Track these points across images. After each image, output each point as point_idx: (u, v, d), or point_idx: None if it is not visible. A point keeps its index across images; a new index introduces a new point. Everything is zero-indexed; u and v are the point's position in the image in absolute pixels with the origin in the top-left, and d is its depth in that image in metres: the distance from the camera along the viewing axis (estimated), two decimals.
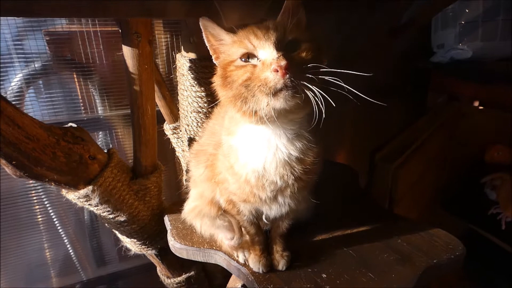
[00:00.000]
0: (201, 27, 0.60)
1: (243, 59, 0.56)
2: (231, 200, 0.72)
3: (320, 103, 0.51)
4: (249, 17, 0.73)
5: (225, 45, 0.60)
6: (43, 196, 1.34)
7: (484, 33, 1.49)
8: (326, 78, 0.52)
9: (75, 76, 1.29)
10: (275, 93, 0.52)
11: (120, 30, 0.83)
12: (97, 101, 1.34)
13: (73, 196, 0.90)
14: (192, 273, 1.24)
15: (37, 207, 1.35)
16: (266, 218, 0.74)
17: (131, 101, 0.91)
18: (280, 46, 0.54)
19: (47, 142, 0.79)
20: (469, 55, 1.51)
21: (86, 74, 1.28)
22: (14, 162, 0.73)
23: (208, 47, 0.62)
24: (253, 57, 0.56)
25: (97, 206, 0.93)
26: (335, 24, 1.09)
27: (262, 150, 0.62)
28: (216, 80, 0.60)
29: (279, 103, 0.53)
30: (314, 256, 0.80)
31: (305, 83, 0.51)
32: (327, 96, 0.51)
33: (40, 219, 1.37)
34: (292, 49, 0.55)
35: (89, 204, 0.93)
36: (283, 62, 0.50)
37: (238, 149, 0.64)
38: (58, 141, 0.82)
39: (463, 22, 1.52)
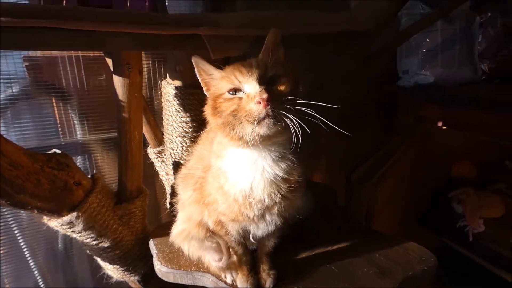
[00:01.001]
0: (193, 64, 0.67)
1: (230, 93, 0.63)
2: (220, 221, 0.75)
3: (297, 130, 0.59)
4: (234, 50, 0.79)
5: (215, 80, 0.67)
6: (12, 223, 1.28)
7: (443, 61, 1.64)
8: (302, 109, 0.60)
9: (54, 100, 1.28)
10: (259, 121, 0.59)
11: (111, 60, 0.86)
12: (77, 125, 1.33)
13: (56, 223, 0.89)
14: None
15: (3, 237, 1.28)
16: (253, 238, 0.77)
17: (119, 127, 0.93)
18: (262, 81, 0.61)
19: (31, 169, 0.78)
20: (431, 80, 1.65)
21: (66, 98, 1.27)
22: None
23: (200, 81, 0.69)
24: (239, 91, 0.63)
25: (81, 232, 0.92)
26: (310, 57, 1.18)
27: (250, 171, 0.67)
28: (207, 110, 0.67)
29: (262, 130, 0.60)
30: (299, 273, 0.83)
31: (284, 112, 0.59)
32: (302, 124, 0.59)
33: (6, 249, 1.29)
34: (272, 83, 0.63)
35: (72, 231, 0.91)
36: (265, 95, 0.58)
37: (228, 171, 0.69)
38: (43, 167, 0.81)
39: (424, 50, 1.67)
